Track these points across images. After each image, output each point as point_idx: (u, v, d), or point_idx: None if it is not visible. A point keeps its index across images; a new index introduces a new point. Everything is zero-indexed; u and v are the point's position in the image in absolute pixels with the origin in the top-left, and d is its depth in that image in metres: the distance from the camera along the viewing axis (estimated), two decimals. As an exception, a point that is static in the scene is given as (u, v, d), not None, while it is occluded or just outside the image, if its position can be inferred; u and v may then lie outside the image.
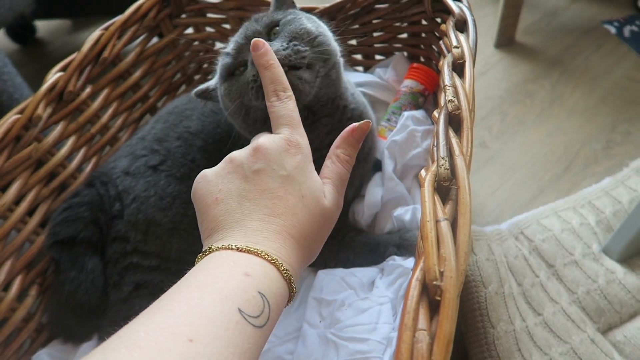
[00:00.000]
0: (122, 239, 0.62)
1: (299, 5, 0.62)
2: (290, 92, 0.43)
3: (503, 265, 0.65)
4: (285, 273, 0.34)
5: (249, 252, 0.34)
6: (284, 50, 0.48)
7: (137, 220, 0.61)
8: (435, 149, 0.43)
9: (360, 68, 0.86)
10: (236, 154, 0.40)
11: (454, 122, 0.45)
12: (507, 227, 0.74)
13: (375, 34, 0.80)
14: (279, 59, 0.45)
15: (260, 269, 0.33)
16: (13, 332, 0.60)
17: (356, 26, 0.78)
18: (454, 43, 0.54)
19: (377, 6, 0.75)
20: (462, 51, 0.53)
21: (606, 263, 0.67)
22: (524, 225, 0.72)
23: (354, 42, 0.82)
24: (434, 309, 0.32)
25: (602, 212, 0.73)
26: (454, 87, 0.48)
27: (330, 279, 0.56)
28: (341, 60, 0.57)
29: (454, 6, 0.61)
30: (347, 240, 0.61)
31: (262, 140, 0.40)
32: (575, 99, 1.04)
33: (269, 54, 0.44)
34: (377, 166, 0.66)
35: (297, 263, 0.37)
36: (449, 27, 0.58)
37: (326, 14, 0.75)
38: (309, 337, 0.50)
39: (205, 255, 0.34)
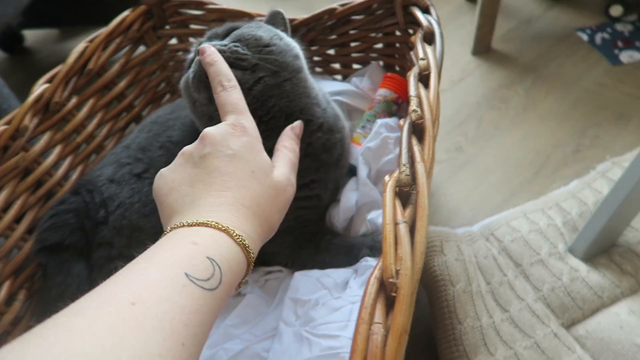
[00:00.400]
0: (107, 245, 0.64)
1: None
2: (235, 83, 0.45)
3: (472, 265, 0.68)
4: (239, 238, 0.35)
5: (198, 224, 0.35)
6: (221, 46, 0.51)
7: (122, 226, 0.63)
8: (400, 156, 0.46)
9: (339, 77, 0.89)
10: (186, 147, 0.42)
11: (418, 130, 0.48)
12: (478, 228, 0.77)
13: (352, 44, 0.83)
14: None
15: (209, 237, 0.34)
16: (2, 336, 0.61)
17: (334, 36, 0.81)
18: (421, 55, 0.57)
19: (354, 17, 0.78)
20: (428, 63, 0.56)
21: (571, 262, 0.70)
22: (494, 227, 0.75)
23: (332, 51, 0.85)
24: (390, 304, 0.34)
25: (569, 214, 0.76)
26: (419, 97, 0.51)
27: (307, 280, 0.58)
28: (304, 77, 0.59)
29: (423, 19, 0.64)
30: (324, 244, 0.64)
31: (208, 129, 0.42)
32: (548, 104, 1.08)
33: (215, 53, 0.47)
34: (352, 171, 0.69)
35: (253, 230, 0.38)
36: (417, 39, 0.61)
37: (305, 25, 0.78)
38: (285, 334, 0.53)
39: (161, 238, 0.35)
